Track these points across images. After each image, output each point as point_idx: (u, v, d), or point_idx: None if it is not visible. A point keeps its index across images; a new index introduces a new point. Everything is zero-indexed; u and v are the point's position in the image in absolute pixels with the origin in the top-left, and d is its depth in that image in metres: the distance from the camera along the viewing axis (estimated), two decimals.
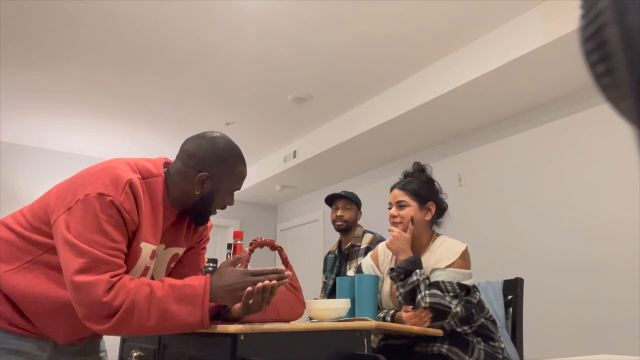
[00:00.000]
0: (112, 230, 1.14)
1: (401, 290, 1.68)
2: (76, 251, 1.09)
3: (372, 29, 2.96)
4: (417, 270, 1.67)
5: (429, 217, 1.83)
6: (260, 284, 1.16)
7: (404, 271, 1.68)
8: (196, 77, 3.55)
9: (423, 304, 1.60)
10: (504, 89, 3.16)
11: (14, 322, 1.14)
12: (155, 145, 4.89)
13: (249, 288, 1.16)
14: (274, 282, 1.17)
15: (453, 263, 1.70)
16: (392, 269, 1.73)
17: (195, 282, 1.16)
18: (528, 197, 3.37)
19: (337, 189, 4.36)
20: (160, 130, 4.53)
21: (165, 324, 1.11)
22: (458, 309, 1.62)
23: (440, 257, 1.73)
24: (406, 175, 1.92)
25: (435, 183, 1.91)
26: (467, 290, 1.68)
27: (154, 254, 1.27)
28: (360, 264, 2.04)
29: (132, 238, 1.20)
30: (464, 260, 1.72)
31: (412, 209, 1.81)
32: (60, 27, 2.93)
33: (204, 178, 1.29)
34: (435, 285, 1.65)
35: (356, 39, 3.06)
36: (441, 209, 1.88)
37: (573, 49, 2.66)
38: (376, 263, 1.98)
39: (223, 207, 1.39)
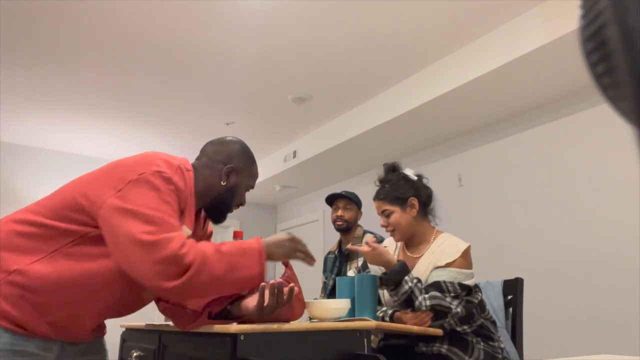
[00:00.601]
0: (173, 202, 1.20)
1: (395, 299, 1.67)
2: (143, 219, 1.12)
3: (372, 29, 2.96)
4: (406, 278, 1.64)
5: (414, 213, 1.83)
6: (273, 281, 1.22)
7: (392, 283, 1.66)
8: (196, 77, 3.55)
9: (424, 308, 1.60)
10: (504, 89, 3.16)
11: (22, 323, 1.12)
12: (155, 145, 4.89)
13: (263, 283, 1.21)
14: (292, 285, 1.24)
15: (454, 261, 1.69)
16: (380, 279, 1.72)
17: (248, 241, 1.24)
18: (528, 197, 3.36)
19: (337, 189, 4.36)
20: (160, 130, 4.53)
21: (232, 276, 1.15)
22: (459, 309, 1.61)
23: (441, 255, 1.72)
24: (380, 181, 1.91)
25: (410, 176, 1.88)
26: (469, 291, 1.68)
27: None
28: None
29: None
30: (465, 259, 1.71)
31: (397, 213, 1.82)
32: (61, 28, 2.93)
33: (230, 170, 1.42)
34: (436, 285, 1.64)
35: (356, 39, 3.06)
36: (425, 197, 1.87)
37: (573, 49, 2.66)
38: None
39: (237, 206, 1.47)
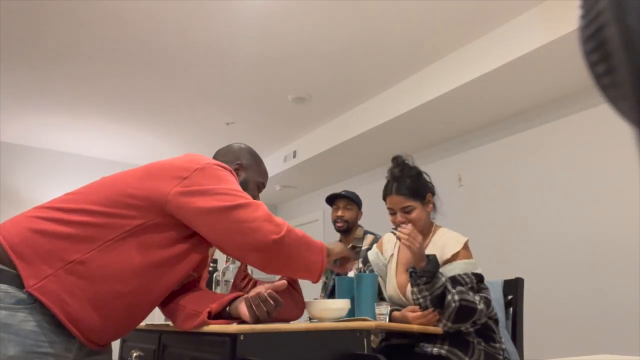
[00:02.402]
0: (240, 187, 1.28)
1: (426, 294, 1.60)
2: (221, 193, 1.19)
3: (372, 29, 2.96)
4: (440, 271, 1.61)
5: (430, 208, 1.84)
6: (264, 293, 1.21)
7: (431, 274, 1.58)
8: (196, 77, 3.55)
9: (453, 305, 1.57)
10: (503, 89, 3.16)
11: (73, 313, 1.09)
12: (155, 145, 4.89)
13: (246, 296, 1.24)
14: (269, 287, 1.25)
15: (458, 253, 1.72)
16: (413, 272, 1.63)
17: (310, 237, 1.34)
18: (528, 197, 3.36)
19: (337, 189, 4.36)
20: (160, 130, 4.53)
21: (305, 254, 1.26)
22: (481, 305, 1.62)
23: (445, 249, 1.74)
24: (394, 176, 1.84)
25: (422, 172, 1.87)
26: (481, 278, 1.71)
27: None
28: (367, 254, 2.06)
29: None
30: (466, 250, 1.75)
31: (418, 209, 1.79)
32: (62, 28, 2.93)
33: (239, 166, 1.54)
34: (453, 279, 1.65)
35: (356, 39, 3.06)
36: (434, 194, 1.89)
37: (573, 49, 2.66)
38: (381, 251, 2.00)
39: None
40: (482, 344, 1.69)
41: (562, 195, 3.15)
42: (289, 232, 1.23)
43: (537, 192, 3.31)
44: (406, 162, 1.88)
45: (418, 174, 1.85)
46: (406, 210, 1.78)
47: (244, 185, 1.50)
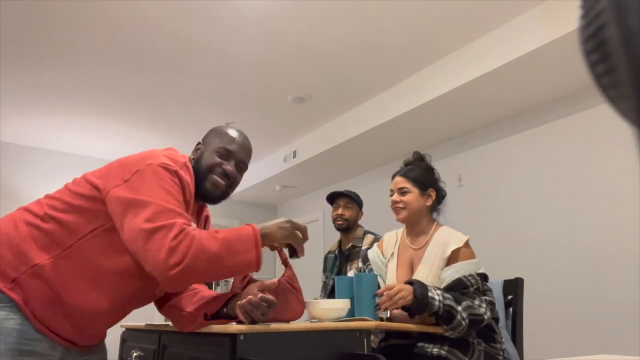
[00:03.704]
0: (177, 193, 1.20)
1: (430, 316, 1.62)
2: (144, 207, 1.13)
3: (372, 29, 2.96)
4: (430, 295, 1.57)
5: (429, 202, 1.88)
6: (256, 299, 1.19)
7: (424, 304, 1.56)
8: (196, 77, 3.55)
9: (464, 324, 1.58)
10: (503, 89, 3.16)
11: (41, 317, 1.11)
12: (155, 145, 4.88)
13: (240, 302, 1.21)
14: (262, 291, 1.23)
15: (458, 250, 1.73)
16: (408, 309, 1.61)
17: (243, 227, 1.23)
18: (528, 197, 3.36)
19: (337, 188, 4.34)
20: (160, 130, 4.53)
21: (230, 262, 1.14)
22: (487, 314, 1.63)
23: (446, 246, 1.76)
24: (407, 163, 1.96)
25: (435, 171, 1.96)
26: (485, 277, 1.72)
27: None
28: (367, 253, 2.07)
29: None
30: (467, 248, 1.76)
31: (413, 195, 1.85)
32: (61, 27, 2.93)
33: (199, 147, 1.44)
34: (459, 282, 1.66)
35: (356, 39, 3.06)
36: (441, 196, 1.93)
37: (573, 49, 2.66)
38: (381, 250, 2.02)
39: (220, 175, 1.38)
40: (482, 344, 1.69)
41: (563, 195, 3.15)
42: (195, 257, 1.11)
43: (537, 192, 3.31)
44: (423, 157, 1.98)
45: (428, 169, 1.94)
46: (402, 191, 1.87)
47: (199, 158, 1.39)
